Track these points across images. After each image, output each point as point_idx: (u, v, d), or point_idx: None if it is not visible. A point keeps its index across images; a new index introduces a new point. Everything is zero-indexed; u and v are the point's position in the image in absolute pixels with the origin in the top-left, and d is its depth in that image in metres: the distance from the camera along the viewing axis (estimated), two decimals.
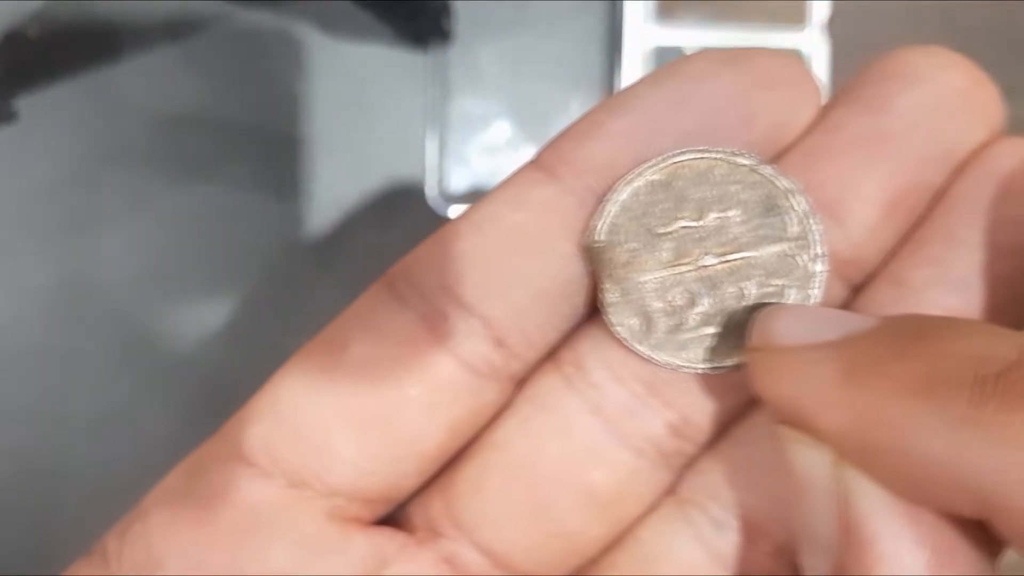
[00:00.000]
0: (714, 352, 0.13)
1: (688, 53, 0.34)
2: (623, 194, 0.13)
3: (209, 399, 0.36)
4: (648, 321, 0.13)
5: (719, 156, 0.13)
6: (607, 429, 0.13)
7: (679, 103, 0.13)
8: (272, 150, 0.36)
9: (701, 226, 0.13)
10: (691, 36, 0.34)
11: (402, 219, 0.36)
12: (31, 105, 0.35)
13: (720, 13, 0.35)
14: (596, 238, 0.13)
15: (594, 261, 0.13)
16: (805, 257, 0.13)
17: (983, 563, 0.11)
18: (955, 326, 0.11)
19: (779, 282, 0.13)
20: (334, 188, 0.36)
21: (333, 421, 0.14)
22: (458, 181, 0.36)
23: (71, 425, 0.36)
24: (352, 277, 0.36)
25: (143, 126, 0.36)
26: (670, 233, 0.13)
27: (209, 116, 0.36)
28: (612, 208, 0.13)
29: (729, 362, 0.13)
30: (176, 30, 0.36)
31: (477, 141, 0.36)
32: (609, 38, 0.36)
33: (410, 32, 0.34)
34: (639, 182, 0.13)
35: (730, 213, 0.13)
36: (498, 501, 0.14)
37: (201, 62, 0.36)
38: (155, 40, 0.36)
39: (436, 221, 0.36)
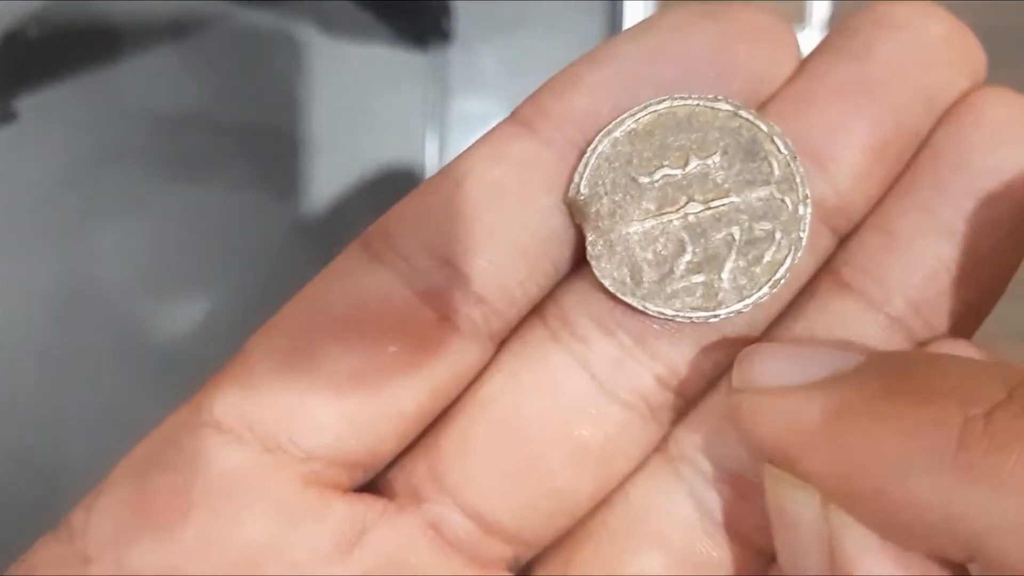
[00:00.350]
0: (704, 300, 0.13)
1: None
2: (604, 145, 0.13)
3: None
4: (636, 272, 0.13)
5: (699, 103, 0.13)
6: (595, 383, 0.13)
7: (657, 55, 0.13)
8: (272, 150, 0.36)
9: (684, 173, 0.13)
10: None
11: None
12: (31, 105, 0.36)
13: None
14: (579, 191, 0.13)
15: (578, 214, 0.13)
16: (790, 200, 0.13)
17: None
18: (942, 364, 0.11)
19: (766, 226, 0.13)
20: (334, 188, 0.36)
21: (309, 383, 0.13)
22: None
23: (69, 423, 0.36)
24: None
25: (143, 126, 0.36)
26: (654, 182, 0.13)
27: (209, 116, 0.36)
28: (593, 159, 0.13)
29: (720, 310, 0.13)
30: (176, 30, 0.36)
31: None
32: (609, 38, 0.36)
33: (410, 32, 0.35)
34: (619, 132, 0.13)
35: (713, 159, 0.13)
36: (485, 460, 0.13)
37: (201, 62, 0.36)
38: (155, 40, 0.36)
39: None
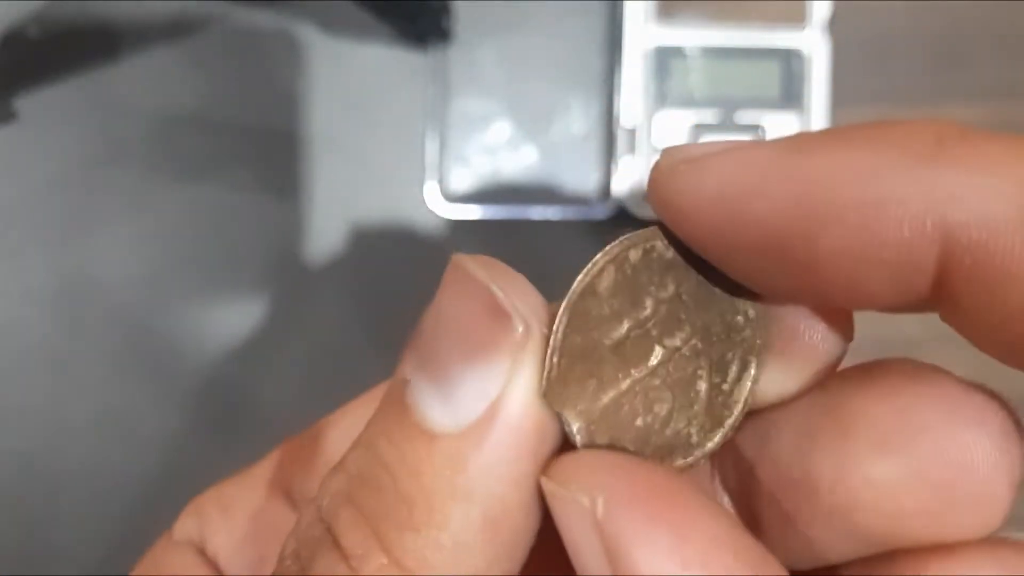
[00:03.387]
0: (689, 443, 0.12)
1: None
2: (563, 318, 0.12)
3: (207, 398, 0.36)
4: (616, 443, 0.12)
5: (646, 243, 0.12)
6: None
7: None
8: (272, 150, 0.36)
9: (646, 317, 0.12)
10: (691, 36, 0.34)
11: (402, 218, 0.37)
12: (31, 106, 0.36)
13: (720, 13, 0.34)
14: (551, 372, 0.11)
15: (555, 401, 0.12)
16: (751, 314, 0.12)
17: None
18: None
19: (731, 352, 0.12)
20: (334, 187, 0.36)
21: None
22: (458, 180, 0.36)
23: (69, 424, 0.36)
24: (352, 276, 0.37)
25: (143, 126, 0.36)
26: (624, 337, 0.12)
27: (209, 116, 0.36)
28: (555, 357, 0.11)
29: (709, 446, 0.12)
30: (176, 31, 0.36)
31: (477, 141, 0.36)
32: (609, 38, 0.36)
33: (411, 32, 0.35)
34: (575, 296, 0.12)
35: (665, 294, 0.12)
36: None
37: (201, 63, 0.36)
38: (155, 41, 0.36)
39: (435, 220, 0.36)
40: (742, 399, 0.12)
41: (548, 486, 0.11)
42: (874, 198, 0.10)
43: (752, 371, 0.12)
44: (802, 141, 0.10)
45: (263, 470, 0.17)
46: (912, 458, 0.10)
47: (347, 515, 0.11)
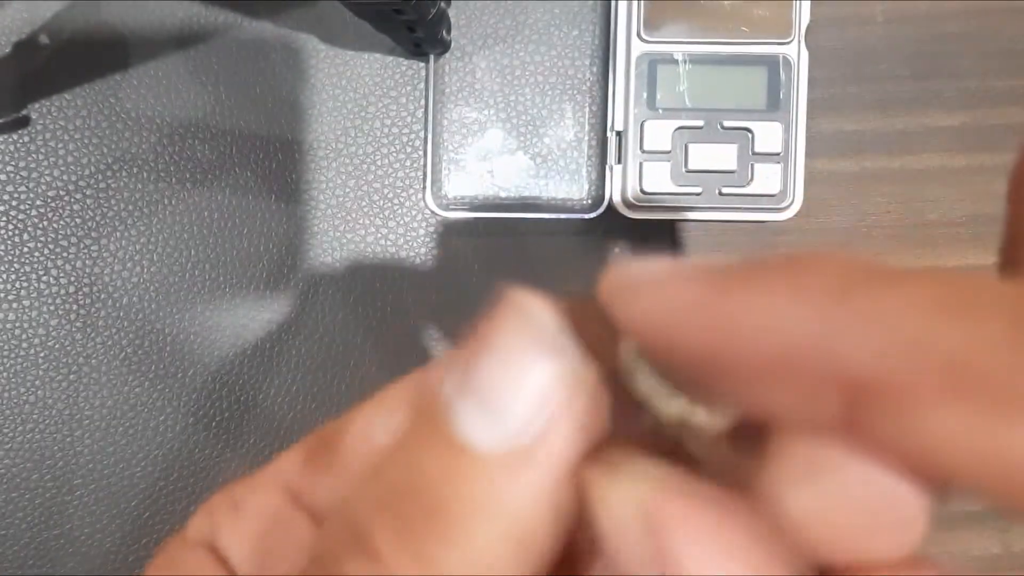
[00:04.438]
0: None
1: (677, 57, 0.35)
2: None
3: (214, 396, 0.37)
4: None
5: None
6: None
7: None
8: (277, 157, 0.37)
9: None
10: (680, 45, 0.35)
11: (401, 222, 0.37)
12: (43, 113, 0.36)
13: (708, 22, 0.35)
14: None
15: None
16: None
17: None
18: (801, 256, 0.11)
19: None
20: (335, 192, 0.37)
21: None
22: (455, 186, 0.37)
23: (82, 421, 0.36)
24: (353, 279, 0.37)
25: (152, 134, 0.36)
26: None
27: (215, 124, 0.37)
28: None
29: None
30: (183, 41, 0.37)
31: (473, 147, 0.37)
32: (600, 47, 0.37)
33: (409, 42, 0.35)
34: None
35: None
36: None
37: (208, 72, 0.37)
38: (163, 51, 0.36)
39: (434, 224, 0.37)
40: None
41: (595, 486, 0.11)
42: (780, 348, 0.10)
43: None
44: (722, 282, 0.11)
45: (273, 472, 0.17)
46: (832, 487, 0.11)
47: (383, 522, 0.11)
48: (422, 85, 0.37)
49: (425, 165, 0.37)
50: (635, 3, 0.35)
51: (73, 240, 0.36)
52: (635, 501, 0.11)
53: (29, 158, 0.36)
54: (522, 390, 0.11)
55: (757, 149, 0.35)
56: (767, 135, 0.35)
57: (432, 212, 0.37)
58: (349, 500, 0.12)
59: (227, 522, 0.16)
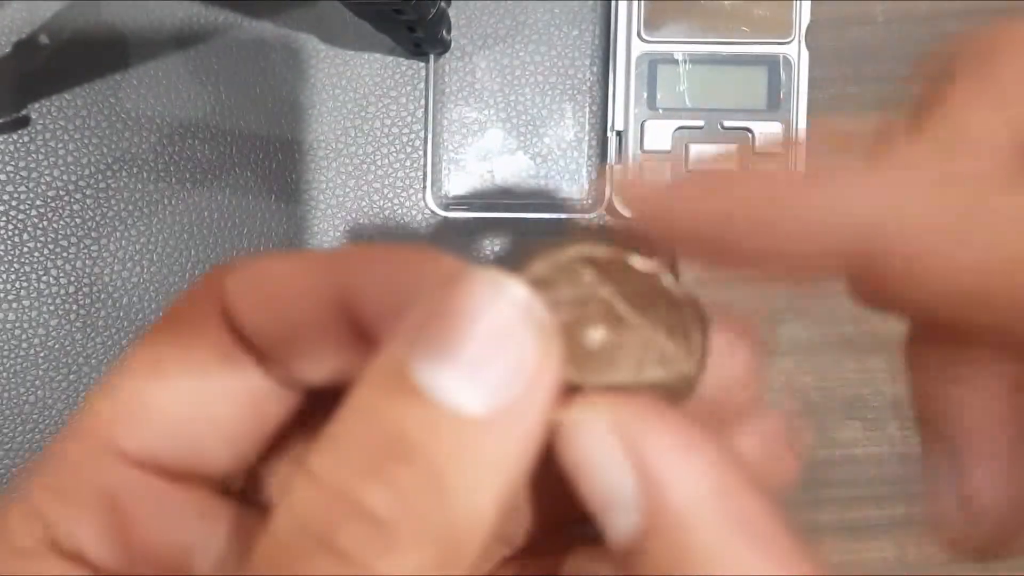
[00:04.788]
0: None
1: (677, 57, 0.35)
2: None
3: None
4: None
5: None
6: None
7: None
8: (277, 156, 0.37)
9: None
10: (680, 45, 0.35)
11: (401, 221, 0.37)
12: (43, 113, 0.36)
13: (708, 22, 0.35)
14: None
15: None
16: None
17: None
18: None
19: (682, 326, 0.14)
20: (336, 192, 0.37)
21: None
22: (455, 185, 0.37)
23: None
24: None
25: (151, 134, 0.37)
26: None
27: (216, 124, 0.37)
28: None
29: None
30: (183, 41, 0.37)
31: (473, 147, 0.37)
32: (600, 47, 0.37)
33: (409, 42, 0.35)
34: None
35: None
36: None
37: (208, 72, 0.37)
38: (163, 51, 0.37)
39: (434, 223, 0.37)
40: (701, 352, 0.14)
41: (570, 419, 0.12)
42: (806, 217, 0.12)
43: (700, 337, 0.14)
44: (735, 173, 0.13)
45: (90, 433, 0.15)
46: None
47: (376, 489, 0.12)
48: (422, 85, 0.37)
49: (425, 165, 0.37)
50: (635, 3, 0.35)
51: (73, 240, 0.36)
52: (609, 419, 0.12)
53: (29, 158, 0.36)
54: (503, 356, 0.12)
55: (757, 149, 0.35)
56: (768, 133, 0.35)
57: (432, 212, 0.37)
58: (315, 475, 0.12)
59: (63, 513, 0.14)
